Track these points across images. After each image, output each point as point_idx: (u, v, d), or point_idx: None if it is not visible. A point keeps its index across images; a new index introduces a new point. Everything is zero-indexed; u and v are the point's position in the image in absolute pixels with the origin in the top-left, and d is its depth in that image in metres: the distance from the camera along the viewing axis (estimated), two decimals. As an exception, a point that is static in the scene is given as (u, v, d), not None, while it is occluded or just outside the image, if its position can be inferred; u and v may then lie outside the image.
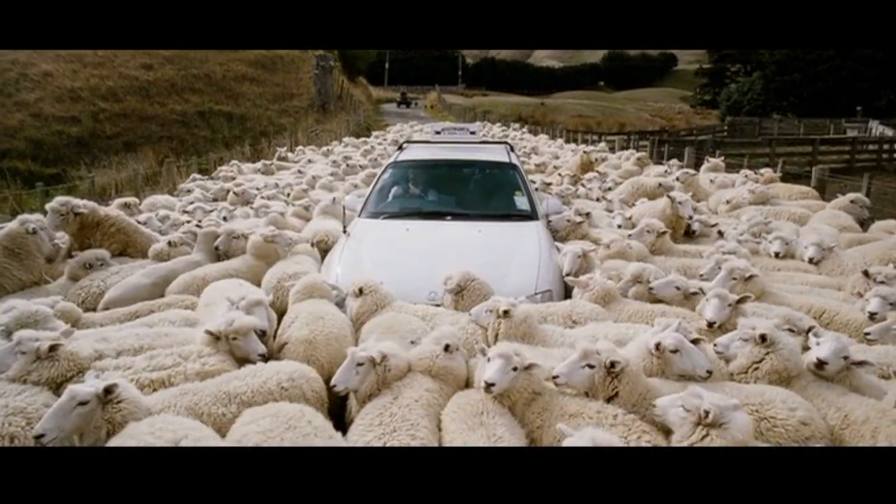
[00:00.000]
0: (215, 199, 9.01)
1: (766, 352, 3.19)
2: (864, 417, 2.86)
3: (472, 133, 8.31)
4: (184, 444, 2.38)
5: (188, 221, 6.84)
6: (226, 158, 17.13)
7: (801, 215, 7.37)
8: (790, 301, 4.40)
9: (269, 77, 36.07)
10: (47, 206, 5.63)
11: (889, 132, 28.12)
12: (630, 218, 7.06)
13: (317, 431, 2.65)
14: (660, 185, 8.26)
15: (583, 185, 9.67)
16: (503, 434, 2.71)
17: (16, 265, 5.04)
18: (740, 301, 3.89)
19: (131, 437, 2.45)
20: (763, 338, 3.19)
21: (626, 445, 2.59)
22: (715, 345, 3.42)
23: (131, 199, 7.69)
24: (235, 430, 2.72)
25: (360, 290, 4.25)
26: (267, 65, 36.74)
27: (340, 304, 4.39)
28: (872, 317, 4.02)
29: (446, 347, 3.32)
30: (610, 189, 9.41)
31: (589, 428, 2.54)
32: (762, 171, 9.82)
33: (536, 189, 8.62)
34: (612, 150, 16.95)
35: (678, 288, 4.40)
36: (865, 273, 4.62)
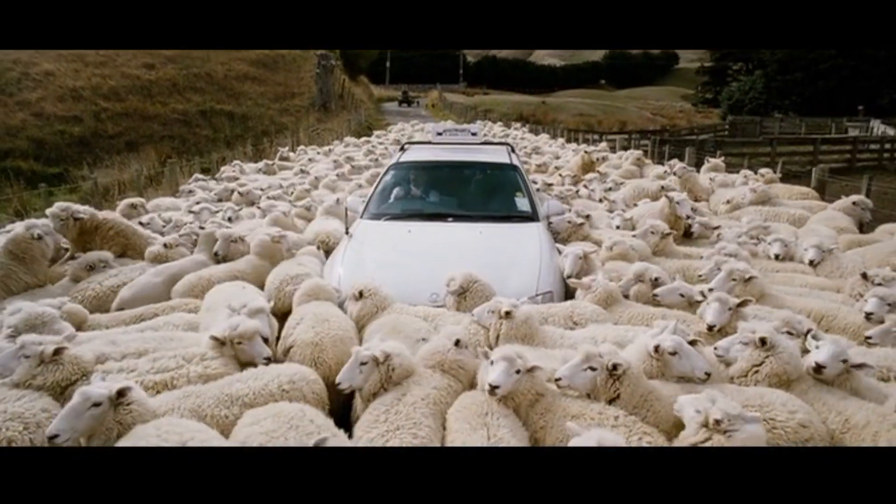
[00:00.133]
0: (220, 200, 9.04)
1: (765, 355, 3.20)
2: (864, 421, 2.87)
3: (474, 134, 8.36)
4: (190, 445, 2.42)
5: (191, 223, 6.86)
6: (228, 158, 17.18)
7: (801, 216, 7.37)
8: (790, 303, 4.41)
9: (270, 76, 36.10)
10: (47, 212, 5.69)
11: (890, 132, 28.10)
12: (630, 219, 7.08)
13: (319, 430, 2.68)
14: (661, 188, 8.26)
15: (585, 187, 9.69)
16: (504, 435, 2.73)
17: (22, 269, 5.08)
18: (741, 305, 3.90)
19: (138, 439, 2.49)
20: (763, 341, 3.21)
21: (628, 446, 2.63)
22: (715, 348, 3.44)
23: (137, 200, 7.74)
24: (238, 431, 2.76)
25: (360, 293, 4.28)
26: (268, 64, 36.76)
27: (341, 306, 4.42)
28: (869, 317, 4.04)
29: (457, 342, 3.37)
30: (610, 189, 9.43)
31: (596, 429, 2.59)
32: (762, 171, 9.83)
33: (538, 190, 8.66)
34: (613, 149, 16.96)
35: (682, 295, 4.43)
36: (864, 275, 4.63)
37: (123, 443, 2.52)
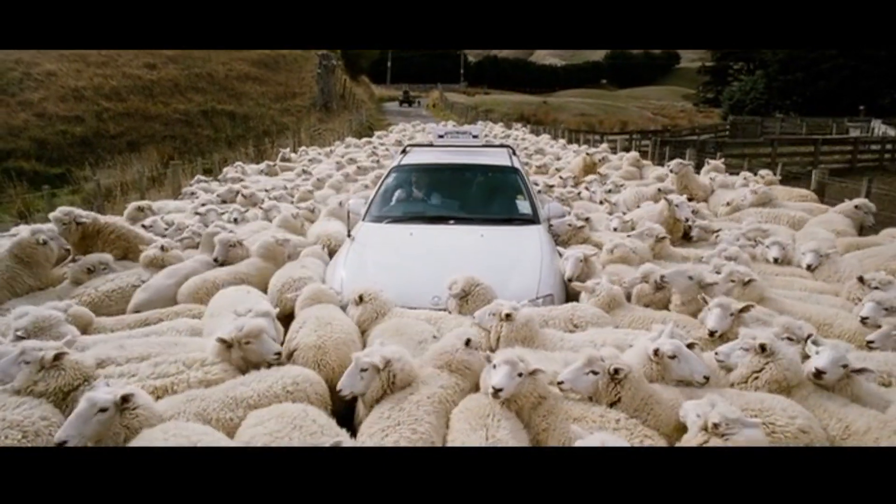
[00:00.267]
0: (224, 201, 9.08)
1: (765, 361, 3.22)
2: (865, 428, 2.89)
3: (475, 137, 8.42)
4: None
5: (191, 225, 6.88)
6: (229, 159, 17.22)
7: (801, 219, 7.37)
8: (790, 307, 4.43)
9: (271, 76, 36.13)
10: (51, 216, 5.77)
11: (891, 132, 28.06)
12: (629, 221, 7.12)
13: (323, 430, 2.74)
14: (659, 190, 8.28)
15: (586, 188, 9.72)
16: (503, 436, 2.77)
17: (27, 272, 5.18)
18: (743, 310, 3.91)
19: (147, 442, 2.52)
20: (763, 348, 3.23)
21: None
22: (716, 353, 3.46)
23: (144, 204, 7.83)
24: (242, 432, 2.80)
25: (360, 298, 4.31)
26: (269, 64, 36.79)
27: (344, 308, 4.45)
28: (864, 321, 4.05)
29: (467, 342, 3.41)
30: (610, 191, 9.46)
31: (599, 432, 2.64)
32: (762, 172, 9.85)
33: (540, 192, 8.69)
34: (614, 150, 16.98)
35: (691, 277, 4.40)
36: (860, 279, 4.64)
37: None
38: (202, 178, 11.39)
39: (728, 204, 8.27)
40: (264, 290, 4.98)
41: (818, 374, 3.18)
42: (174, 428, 2.62)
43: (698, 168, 11.27)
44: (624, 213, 7.69)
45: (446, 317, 4.37)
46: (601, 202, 8.84)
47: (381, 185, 6.78)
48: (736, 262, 5.03)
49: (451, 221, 5.93)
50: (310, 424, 2.75)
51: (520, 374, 3.01)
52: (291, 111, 33.15)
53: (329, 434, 2.72)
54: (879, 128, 29.84)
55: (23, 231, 5.44)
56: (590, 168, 11.44)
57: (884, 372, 3.50)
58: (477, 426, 2.83)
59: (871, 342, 3.81)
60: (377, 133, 23.92)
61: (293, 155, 16.02)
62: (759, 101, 44.69)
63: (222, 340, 3.44)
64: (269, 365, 3.47)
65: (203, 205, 8.09)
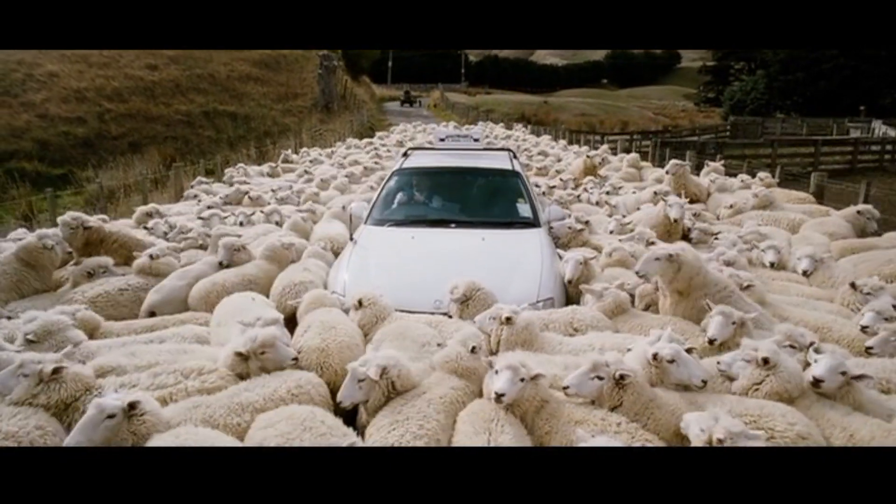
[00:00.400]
0: (227, 203, 9.13)
1: (766, 374, 3.21)
2: (869, 437, 2.87)
3: (476, 140, 8.48)
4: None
5: (191, 229, 6.92)
6: (231, 160, 17.27)
7: (801, 221, 7.36)
8: (788, 313, 4.43)
9: (272, 77, 36.18)
10: (59, 220, 5.90)
11: (892, 133, 28.07)
12: (627, 224, 7.16)
13: (331, 430, 2.78)
14: (655, 193, 8.32)
15: (585, 191, 9.76)
16: (504, 440, 2.80)
17: (33, 275, 5.31)
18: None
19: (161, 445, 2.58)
20: (765, 361, 3.22)
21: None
22: (718, 363, 3.47)
23: (151, 208, 7.92)
24: (253, 434, 2.84)
25: (360, 303, 4.35)
26: (271, 64, 36.84)
27: (347, 312, 4.51)
28: (864, 330, 4.04)
29: (473, 349, 3.46)
30: (609, 193, 9.49)
31: (602, 436, 2.71)
32: (760, 175, 9.87)
33: (542, 194, 8.74)
34: (615, 151, 17.01)
35: (658, 259, 4.32)
36: (852, 285, 4.64)
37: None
38: (203, 179, 11.43)
39: (731, 207, 8.29)
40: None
41: (816, 382, 3.18)
42: (185, 433, 2.65)
43: (698, 169, 11.30)
44: (624, 216, 7.74)
45: (447, 320, 4.41)
46: (597, 203, 8.88)
47: (382, 189, 6.83)
48: (734, 267, 5.06)
49: (453, 225, 5.98)
50: (319, 425, 2.78)
51: (522, 380, 3.04)
52: (293, 112, 33.21)
53: (338, 434, 2.76)
54: (880, 128, 29.85)
55: (29, 236, 5.55)
56: (590, 170, 11.45)
57: (883, 378, 3.49)
58: (480, 430, 2.87)
59: (870, 348, 3.80)
60: (378, 133, 23.95)
61: (294, 156, 16.07)
62: (759, 101, 44.68)
63: (239, 354, 3.44)
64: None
65: (209, 207, 8.15)
